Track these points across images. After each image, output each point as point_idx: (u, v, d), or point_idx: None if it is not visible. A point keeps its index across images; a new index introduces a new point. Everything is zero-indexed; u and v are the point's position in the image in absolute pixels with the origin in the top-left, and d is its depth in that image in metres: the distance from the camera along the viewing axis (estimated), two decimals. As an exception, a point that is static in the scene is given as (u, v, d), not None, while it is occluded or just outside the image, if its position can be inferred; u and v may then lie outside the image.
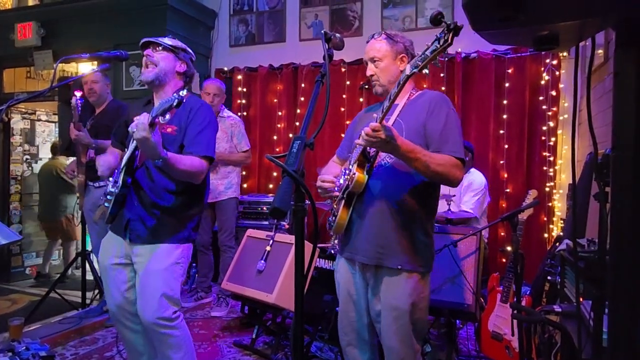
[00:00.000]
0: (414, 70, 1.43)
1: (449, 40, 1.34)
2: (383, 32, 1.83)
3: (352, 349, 1.89)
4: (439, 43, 1.37)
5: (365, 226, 1.72)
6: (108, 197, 1.96)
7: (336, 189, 1.76)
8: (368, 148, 1.66)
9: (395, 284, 1.69)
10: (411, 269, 1.68)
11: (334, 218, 1.77)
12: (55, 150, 5.24)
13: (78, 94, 2.44)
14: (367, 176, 1.67)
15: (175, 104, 1.66)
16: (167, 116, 1.69)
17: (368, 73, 1.82)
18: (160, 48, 2.02)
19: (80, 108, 2.63)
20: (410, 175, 1.69)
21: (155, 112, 1.68)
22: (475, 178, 3.41)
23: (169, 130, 1.96)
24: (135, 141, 1.85)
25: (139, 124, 1.65)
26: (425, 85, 4.08)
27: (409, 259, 1.68)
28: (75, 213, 5.30)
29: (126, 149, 2.00)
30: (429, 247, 1.75)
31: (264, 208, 4.15)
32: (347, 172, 1.77)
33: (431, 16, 1.33)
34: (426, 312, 1.78)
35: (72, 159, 3.63)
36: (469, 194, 3.33)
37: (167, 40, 2.04)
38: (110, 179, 2.02)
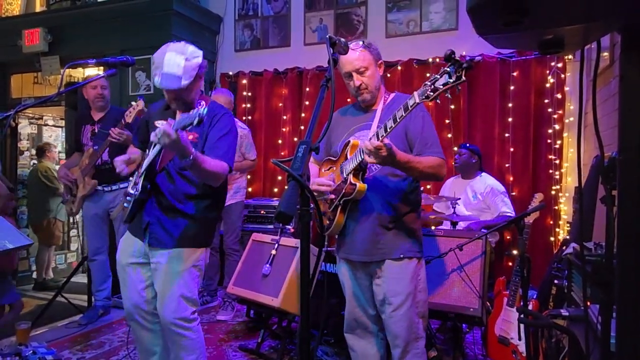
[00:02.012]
0: (424, 99, 1.52)
1: (462, 77, 1.43)
2: (361, 43, 1.89)
3: (358, 340, 1.99)
4: (450, 77, 1.45)
5: (362, 228, 1.87)
6: (127, 197, 2.01)
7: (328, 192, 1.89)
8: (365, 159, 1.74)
9: (398, 271, 1.85)
10: (411, 255, 1.87)
11: (330, 222, 1.89)
12: (40, 152, 5.24)
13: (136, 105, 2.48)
14: (365, 184, 1.79)
15: (195, 122, 1.71)
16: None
17: (356, 84, 1.89)
18: None
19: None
20: (398, 178, 1.87)
21: (176, 125, 1.73)
22: (493, 182, 3.51)
23: (190, 137, 2.00)
24: (157, 146, 1.88)
25: (161, 131, 1.68)
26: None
27: (408, 247, 1.87)
28: (64, 218, 5.30)
29: (147, 152, 2.03)
30: (419, 234, 1.95)
31: (269, 212, 4.16)
32: (333, 178, 1.90)
33: (445, 54, 1.43)
34: (426, 293, 1.95)
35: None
36: (498, 198, 3.41)
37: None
38: (131, 178, 2.07)
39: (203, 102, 1.94)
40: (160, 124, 1.73)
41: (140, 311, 2.06)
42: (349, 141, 1.86)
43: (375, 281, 1.90)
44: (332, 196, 1.87)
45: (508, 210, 3.37)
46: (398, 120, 1.62)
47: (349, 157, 1.82)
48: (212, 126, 2.01)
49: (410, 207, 1.91)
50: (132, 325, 2.13)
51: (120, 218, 2.32)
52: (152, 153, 1.96)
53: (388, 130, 1.65)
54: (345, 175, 1.82)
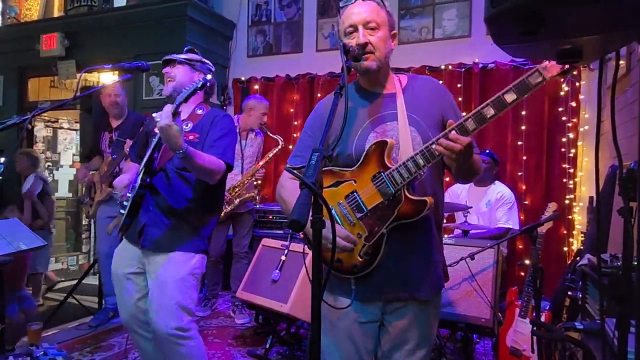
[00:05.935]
0: (517, 97, 1.31)
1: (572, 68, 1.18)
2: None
3: None
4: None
5: (392, 256, 1.37)
6: (124, 203, 1.98)
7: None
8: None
9: (424, 314, 1.45)
10: (438, 292, 1.50)
11: (365, 259, 1.34)
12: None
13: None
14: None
15: (199, 86, 1.72)
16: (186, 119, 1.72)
17: (361, 40, 1.36)
18: (176, 63, 2.08)
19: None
20: (437, 183, 1.47)
21: (179, 100, 1.74)
22: (504, 190, 3.45)
23: (190, 137, 1.99)
24: (155, 139, 1.89)
25: (163, 112, 1.69)
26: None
27: (436, 283, 1.47)
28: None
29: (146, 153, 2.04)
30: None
31: (279, 217, 4.16)
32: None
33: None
34: None
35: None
36: (503, 208, 3.35)
37: (182, 55, 2.10)
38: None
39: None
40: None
41: (137, 321, 2.02)
42: (386, 142, 1.35)
43: (391, 322, 1.43)
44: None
45: (507, 224, 3.27)
46: (499, 112, 1.31)
47: (390, 165, 1.34)
48: (212, 126, 2.01)
49: (441, 223, 1.53)
50: (132, 336, 2.10)
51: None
52: (150, 148, 1.94)
53: (488, 120, 1.30)
54: (394, 190, 1.32)
